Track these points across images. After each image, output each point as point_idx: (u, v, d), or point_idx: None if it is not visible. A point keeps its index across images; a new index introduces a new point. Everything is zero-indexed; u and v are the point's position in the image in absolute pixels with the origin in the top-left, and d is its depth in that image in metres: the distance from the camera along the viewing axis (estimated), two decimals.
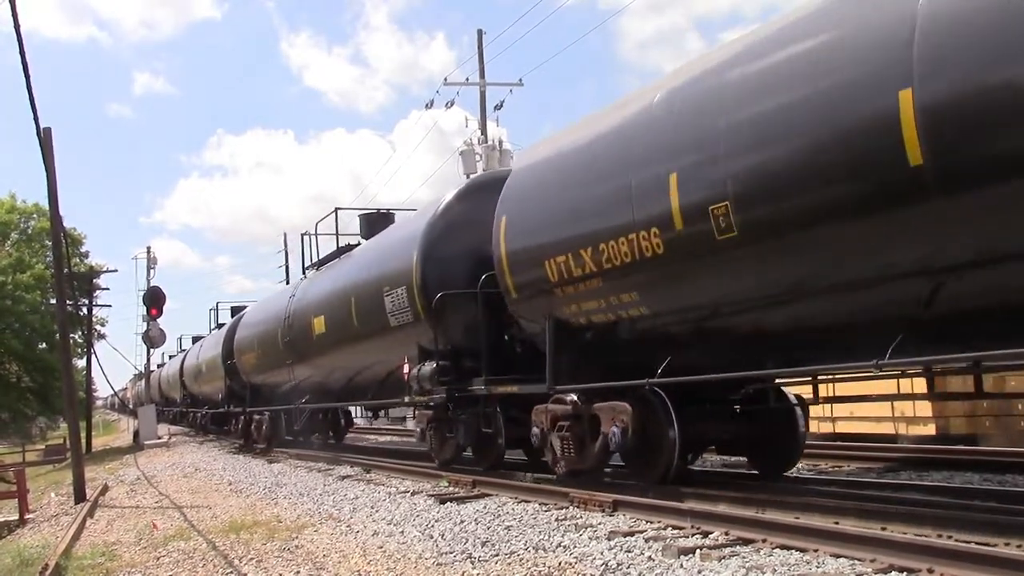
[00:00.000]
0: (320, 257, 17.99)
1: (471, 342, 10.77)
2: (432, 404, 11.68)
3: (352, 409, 21.80)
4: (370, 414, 27.58)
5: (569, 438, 8.93)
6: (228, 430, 26.71)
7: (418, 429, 12.58)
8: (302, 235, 18.93)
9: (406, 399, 12.65)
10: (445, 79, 28.95)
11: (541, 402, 9.41)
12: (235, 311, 29.23)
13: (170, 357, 48.64)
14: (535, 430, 9.49)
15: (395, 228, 14.24)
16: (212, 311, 34.46)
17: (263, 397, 21.44)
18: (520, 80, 29.39)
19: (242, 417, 23.45)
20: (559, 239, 8.73)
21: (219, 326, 30.69)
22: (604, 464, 9.24)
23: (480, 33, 29.20)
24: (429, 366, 11.19)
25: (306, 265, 18.98)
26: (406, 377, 12.00)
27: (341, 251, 16.77)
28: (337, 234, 17.65)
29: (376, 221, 15.68)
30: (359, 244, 16.20)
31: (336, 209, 17.86)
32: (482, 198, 10.74)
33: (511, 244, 9.60)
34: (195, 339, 37.31)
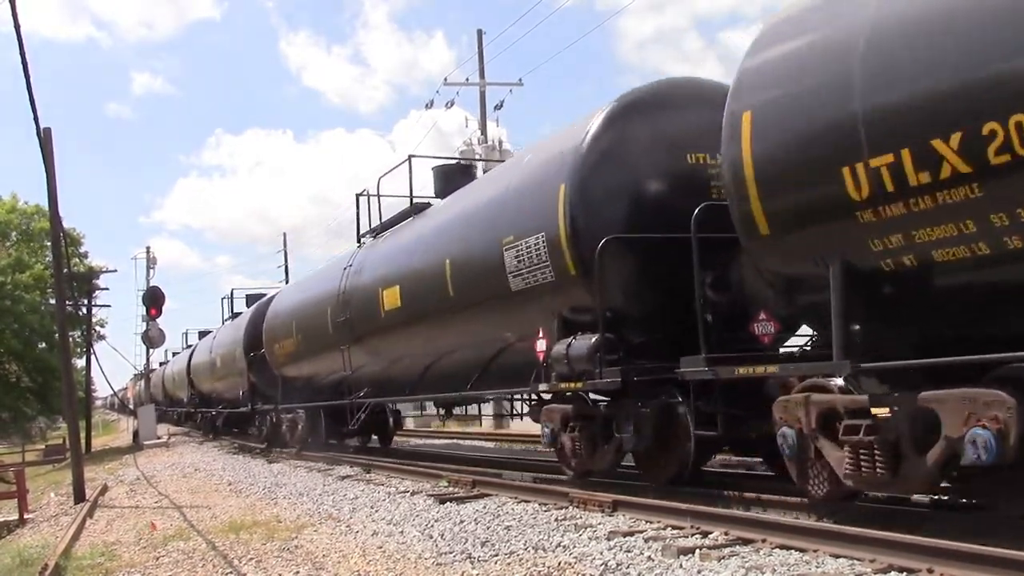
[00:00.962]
0: (382, 220, 15.09)
1: (640, 309, 8.52)
2: (585, 394, 9.01)
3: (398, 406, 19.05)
4: (421, 412, 25.88)
5: (865, 446, 5.83)
6: (250, 432, 24.54)
7: (547, 430, 9.50)
8: (357, 196, 15.93)
9: (542, 386, 9.48)
10: (445, 79, 29.00)
11: (787, 391, 6.67)
12: (251, 299, 27.00)
13: (174, 355, 46.83)
14: (787, 431, 6.50)
15: (512, 166, 11.15)
16: (226, 300, 30.88)
17: (297, 392, 18.67)
18: (520, 80, 29.43)
19: (271, 416, 20.43)
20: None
21: (234, 316, 28.04)
22: (936, 486, 6.14)
23: (480, 33, 29.27)
24: (584, 341, 8.47)
25: (362, 232, 15.88)
26: (542, 356, 9.27)
27: (416, 209, 13.85)
28: (411, 193, 14.17)
29: (454, 174, 13.50)
30: (429, 205, 13.69)
31: (410, 156, 14.27)
32: (640, 121, 8.74)
33: (765, 149, 6.41)
34: (202, 334, 35.30)
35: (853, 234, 5.82)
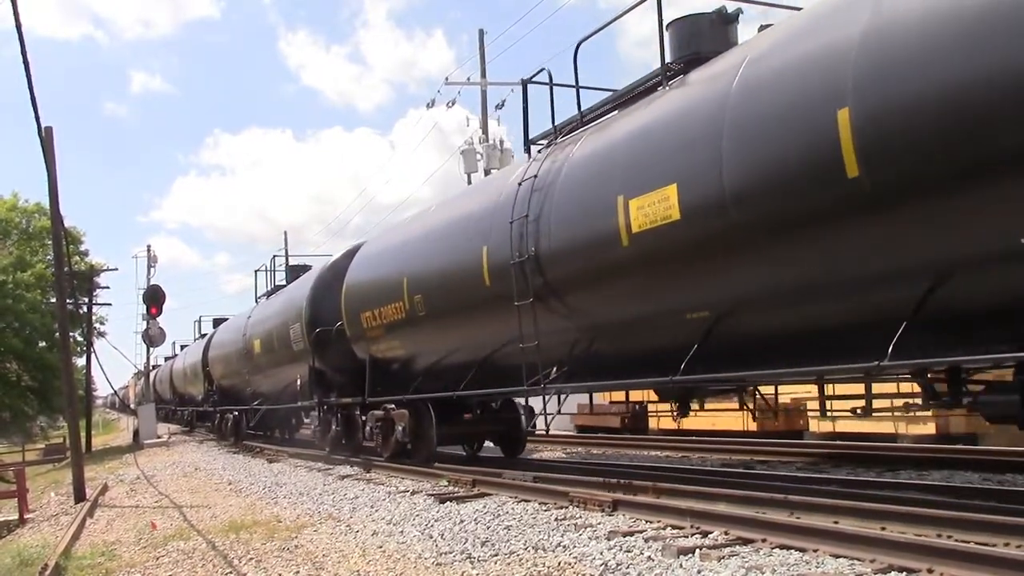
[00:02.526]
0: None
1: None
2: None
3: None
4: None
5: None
6: (301, 434, 23.75)
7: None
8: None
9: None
10: (447, 79, 28.94)
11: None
12: (295, 271, 21.89)
13: (182, 347, 42.49)
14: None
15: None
16: (261, 272, 24.47)
17: (392, 381, 15.84)
18: (521, 80, 29.37)
19: (338, 413, 15.83)
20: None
21: (274, 290, 21.99)
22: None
23: (481, 33, 29.22)
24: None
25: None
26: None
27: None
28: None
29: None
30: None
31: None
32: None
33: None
34: (216, 321, 31.33)
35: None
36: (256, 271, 24.13)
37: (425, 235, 12.38)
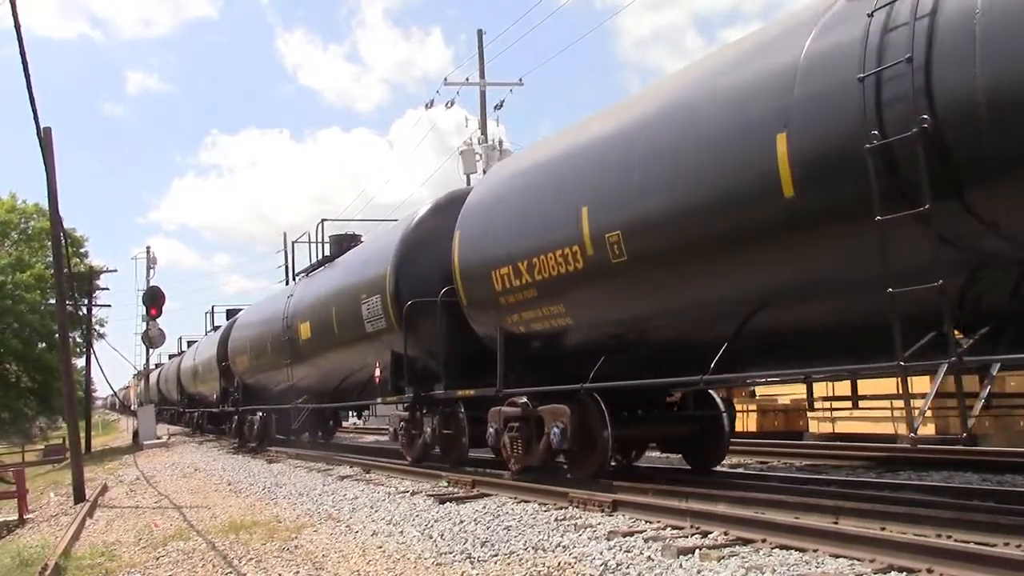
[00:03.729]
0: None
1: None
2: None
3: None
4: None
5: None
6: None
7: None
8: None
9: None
10: (445, 79, 28.98)
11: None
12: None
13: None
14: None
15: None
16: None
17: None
18: (520, 80, 29.41)
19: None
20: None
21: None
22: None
23: (480, 33, 29.28)
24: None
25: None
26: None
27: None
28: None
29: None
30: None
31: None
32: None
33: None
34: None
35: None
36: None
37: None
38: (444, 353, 11.40)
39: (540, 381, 9.75)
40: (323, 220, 18.34)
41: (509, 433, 10.02)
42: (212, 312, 32.32)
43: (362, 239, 17.42)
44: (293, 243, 20.53)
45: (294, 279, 19.87)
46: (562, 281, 8.80)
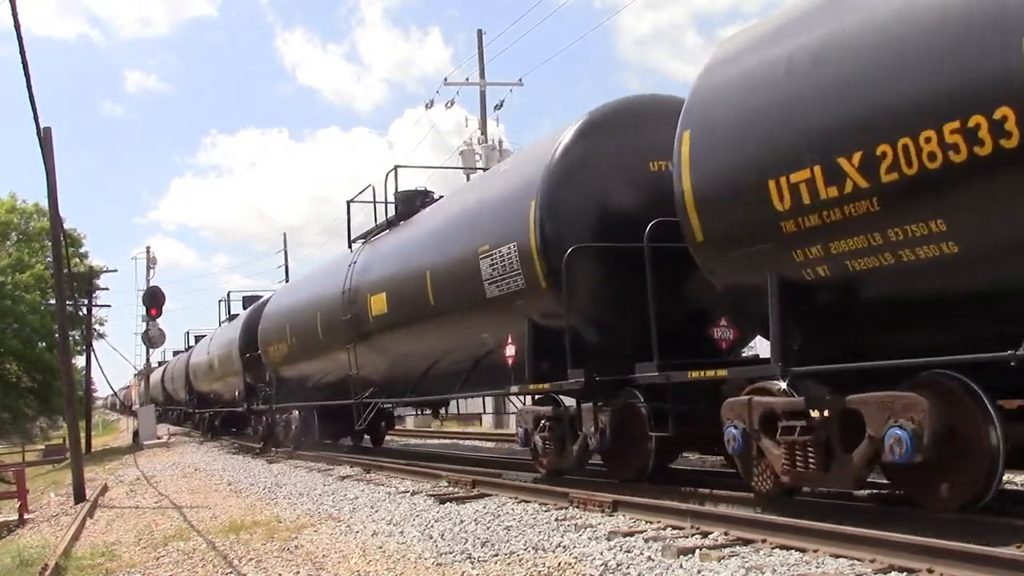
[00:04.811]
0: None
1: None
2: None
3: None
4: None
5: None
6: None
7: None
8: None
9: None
10: (445, 79, 29.01)
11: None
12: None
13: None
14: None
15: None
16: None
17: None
18: (520, 80, 29.43)
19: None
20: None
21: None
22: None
23: (480, 33, 29.31)
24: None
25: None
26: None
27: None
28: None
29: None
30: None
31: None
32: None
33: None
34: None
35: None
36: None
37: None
38: (654, 318, 7.86)
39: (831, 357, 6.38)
40: (396, 167, 14.86)
41: (784, 439, 6.42)
42: (228, 299, 29.30)
43: (436, 196, 14.27)
44: (348, 203, 16.30)
45: (350, 246, 15.97)
46: (961, 174, 5.21)
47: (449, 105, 29.51)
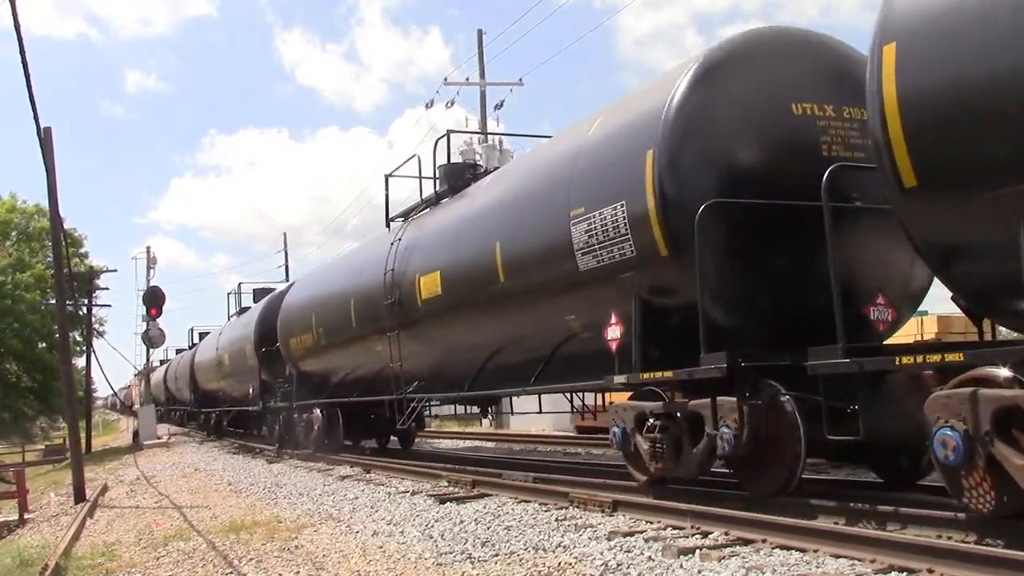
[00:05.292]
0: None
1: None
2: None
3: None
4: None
5: None
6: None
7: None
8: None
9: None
10: (445, 79, 28.95)
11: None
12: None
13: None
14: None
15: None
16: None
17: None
18: (520, 80, 29.40)
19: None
20: None
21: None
22: None
23: (480, 33, 29.27)
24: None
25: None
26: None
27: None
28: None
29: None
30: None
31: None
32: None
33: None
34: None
35: None
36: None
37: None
38: (838, 290, 6.19)
39: None
40: (449, 131, 13.59)
41: None
42: (238, 292, 27.21)
43: (486, 169, 12.85)
44: (387, 176, 15.02)
45: (388, 224, 14.64)
46: None
47: (449, 105, 29.49)
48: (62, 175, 15.00)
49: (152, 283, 38.40)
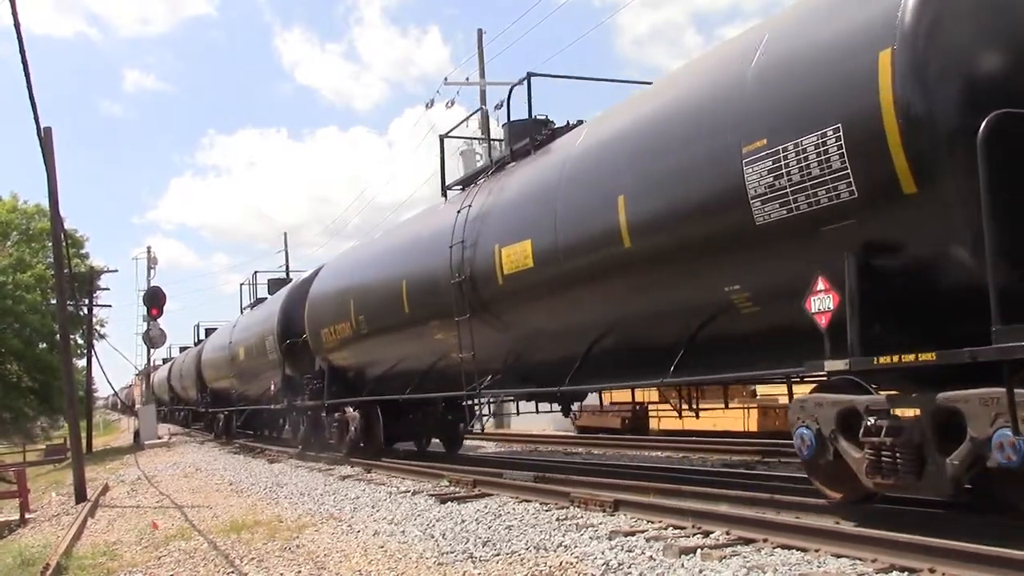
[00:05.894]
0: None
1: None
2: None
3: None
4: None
5: None
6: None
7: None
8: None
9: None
10: (446, 79, 28.91)
11: None
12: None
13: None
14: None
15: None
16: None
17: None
18: (521, 80, 29.38)
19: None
20: None
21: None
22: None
23: (480, 33, 29.26)
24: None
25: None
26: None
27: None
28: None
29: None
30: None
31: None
32: None
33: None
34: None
35: None
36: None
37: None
38: None
39: None
40: (529, 74, 11.25)
41: None
42: (253, 281, 24.66)
43: (566, 123, 10.78)
44: (442, 138, 13.95)
45: (444, 193, 13.18)
46: None
47: (449, 105, 29.43)
48: (61, 175, 14.98)
49: (152, 283, 38.42)
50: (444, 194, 12.84)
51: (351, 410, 15.04)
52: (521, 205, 9.88)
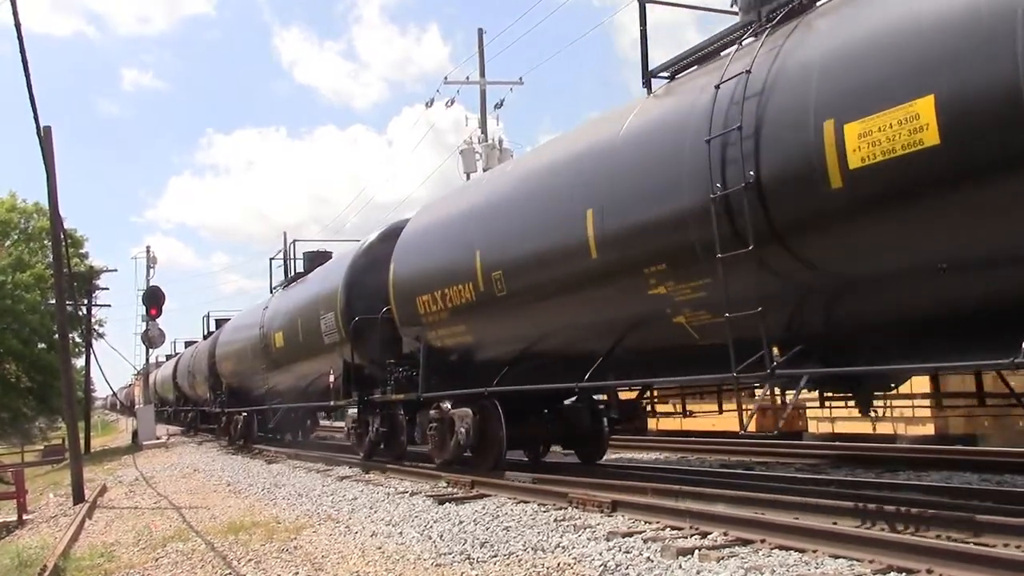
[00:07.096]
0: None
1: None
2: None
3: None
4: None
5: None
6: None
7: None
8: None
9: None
10: (446, 78, 28.87)
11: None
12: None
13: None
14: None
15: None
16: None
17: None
18: (520, 79, 29.34)
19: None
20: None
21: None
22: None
23: (480, 32, 29.19)
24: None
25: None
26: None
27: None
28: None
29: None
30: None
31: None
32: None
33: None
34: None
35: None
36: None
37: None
38: None
39: None
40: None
41: None
42: (291, 252, 20.34)
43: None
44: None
45: (657, 71, 8.42)
46: None
47: (449, 104, 29.40)
48: (60, 174, 14.96)
49: (152, 283, 38.34)
50: (647, 84, 8.61)
51: (447, 404, 11.40)
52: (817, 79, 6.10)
